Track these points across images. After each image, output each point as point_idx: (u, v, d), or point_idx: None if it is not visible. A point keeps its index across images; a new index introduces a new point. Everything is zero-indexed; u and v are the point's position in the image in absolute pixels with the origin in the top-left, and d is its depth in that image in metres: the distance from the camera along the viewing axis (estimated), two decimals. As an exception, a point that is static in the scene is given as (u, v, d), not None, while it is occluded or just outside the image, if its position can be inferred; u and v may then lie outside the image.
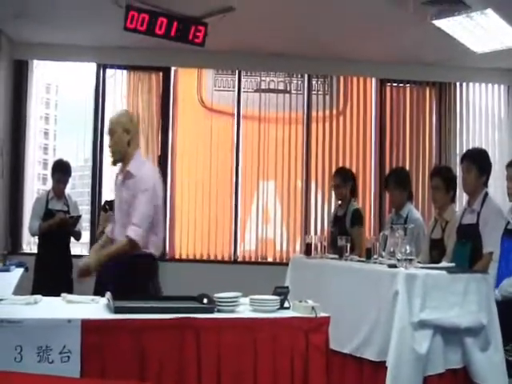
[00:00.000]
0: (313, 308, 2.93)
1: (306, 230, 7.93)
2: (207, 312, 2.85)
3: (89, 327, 2.54)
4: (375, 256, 4.61)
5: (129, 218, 3.87)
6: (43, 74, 8.15)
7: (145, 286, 3.79)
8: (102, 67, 7.96)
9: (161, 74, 8.03)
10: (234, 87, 8.14)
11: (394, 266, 3.99)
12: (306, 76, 8.21)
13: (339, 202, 6.22)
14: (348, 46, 7.38)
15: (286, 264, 5.91)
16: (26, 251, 7.57)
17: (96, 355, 2.52)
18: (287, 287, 3.19)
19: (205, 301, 2.97)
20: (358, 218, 5.97)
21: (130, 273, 3.81)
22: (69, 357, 2.49)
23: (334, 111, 8.25)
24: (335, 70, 8.11)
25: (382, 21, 6.42)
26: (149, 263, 3.94)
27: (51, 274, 6.11)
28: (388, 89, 8.32)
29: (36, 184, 8.13)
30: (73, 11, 6.43)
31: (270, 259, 8.02)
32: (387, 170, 7.61)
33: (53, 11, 6.42)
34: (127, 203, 3.92)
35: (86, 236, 7.41)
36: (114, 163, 4.12)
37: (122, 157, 4.04)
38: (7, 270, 4.43)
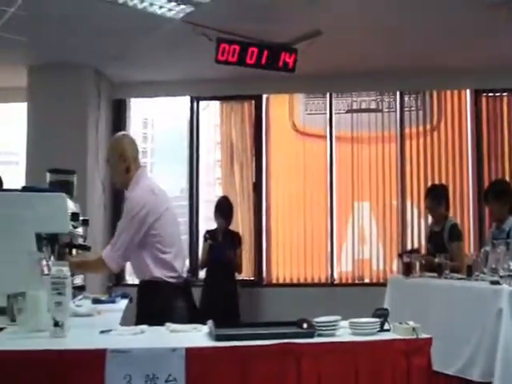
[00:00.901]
0: (414, 329, 2.89)
1: (403, 250, 7.81)
2: (307, 337, 2.86)
3: (192, 355, 2.61)
4: (476, 273, 4.52)
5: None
6: (140, 110, 8.47)
7: (151, 313, 3.62)
8: (196, 100, 8.20)
9: (253, 102, 8.17)
10: (325, 109, 8.17)
11: (497, 283, 3.91)
12: (397, 93, 8.14)
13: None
14: (441, 58, 7.24)
15: (383, 284, 5.87)
16: (129, 282, 7.77)
17: (200, 383, 2.60)
18: (387, 309, 3.16)
19: (304, 325, 2.99)
20: (456, 233, 5.87)
21: (140, 299, 3.86)
22: (174, 385, 2.59)
23: (428, 127, 8.12)
24: (428, 84, 7.98)
25: (474, 29, 6.28)
26: (149, 287, 3.82)
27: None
28: (484, 99, 8.09)
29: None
30: (165, 49, 6.69)
31: (366, 280, 7.94)
32: (486, 184, 7.40)
33: (147, 51, 6.69)
34: None
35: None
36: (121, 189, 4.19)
37: (124, 185, 3.95)
38: (113, 302, 4.58)
